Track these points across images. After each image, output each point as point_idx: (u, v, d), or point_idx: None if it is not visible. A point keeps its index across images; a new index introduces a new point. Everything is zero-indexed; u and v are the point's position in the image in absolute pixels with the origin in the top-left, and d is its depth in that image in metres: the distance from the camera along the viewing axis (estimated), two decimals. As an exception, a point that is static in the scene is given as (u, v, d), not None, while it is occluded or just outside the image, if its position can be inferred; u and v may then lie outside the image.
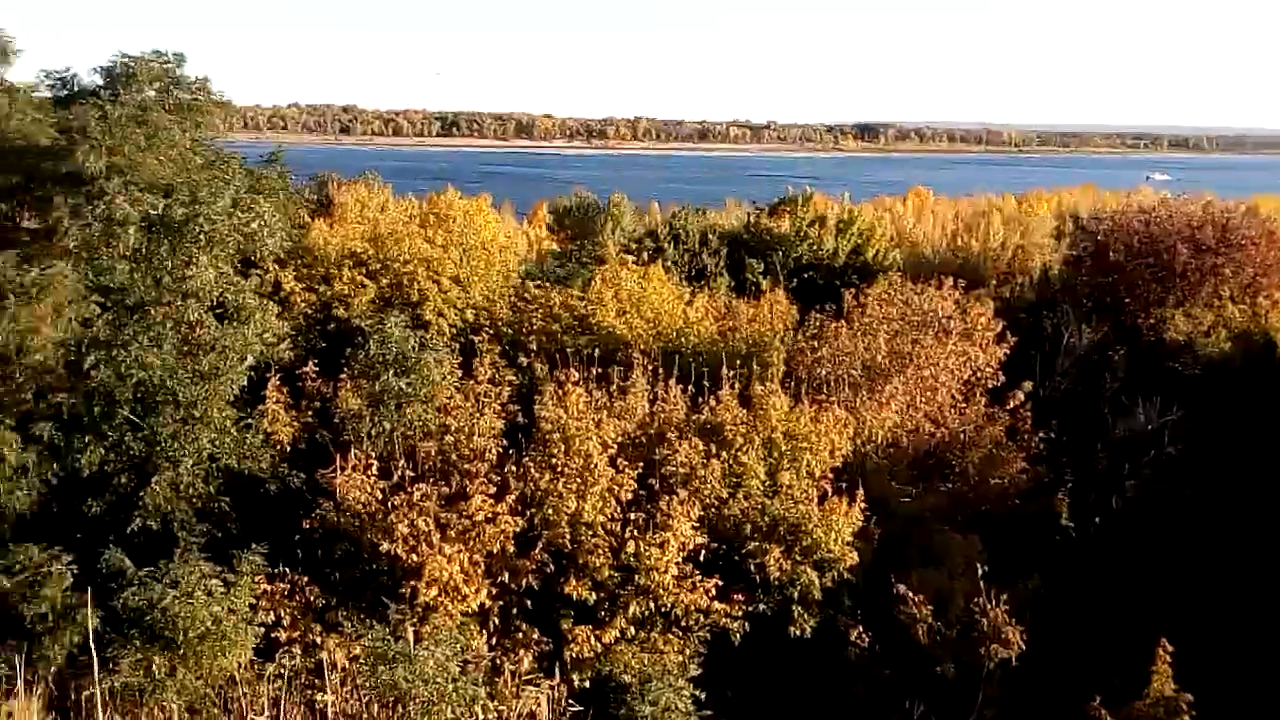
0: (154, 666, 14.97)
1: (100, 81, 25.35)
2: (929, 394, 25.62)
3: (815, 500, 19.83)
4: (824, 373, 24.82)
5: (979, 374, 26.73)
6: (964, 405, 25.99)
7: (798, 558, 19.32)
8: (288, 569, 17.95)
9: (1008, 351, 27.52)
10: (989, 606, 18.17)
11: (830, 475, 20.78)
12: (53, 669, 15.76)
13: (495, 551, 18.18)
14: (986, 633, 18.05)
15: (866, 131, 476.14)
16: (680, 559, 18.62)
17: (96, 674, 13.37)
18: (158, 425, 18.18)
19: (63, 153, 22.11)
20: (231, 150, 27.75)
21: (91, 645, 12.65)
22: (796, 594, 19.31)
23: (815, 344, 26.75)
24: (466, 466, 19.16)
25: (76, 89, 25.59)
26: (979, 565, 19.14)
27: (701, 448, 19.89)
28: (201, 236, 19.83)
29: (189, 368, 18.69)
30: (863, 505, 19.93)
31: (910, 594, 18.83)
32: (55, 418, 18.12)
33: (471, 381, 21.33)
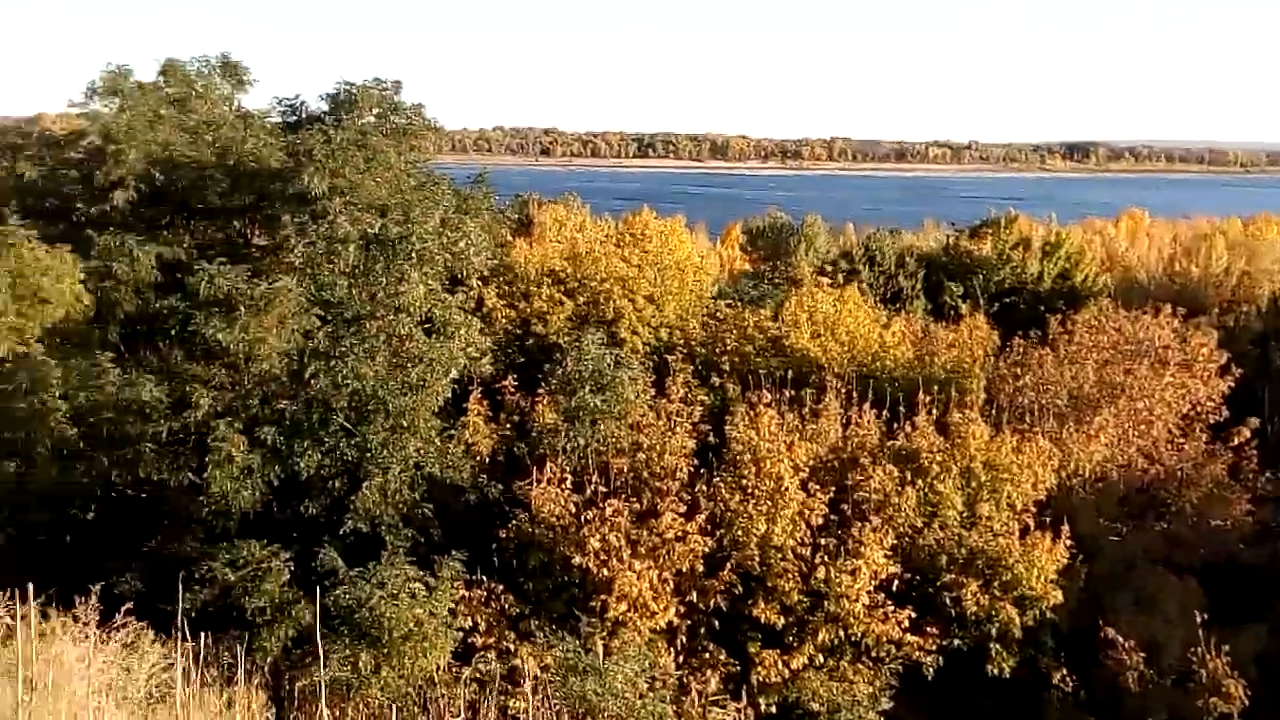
0: (361, 663, 15.66)
1: (325, 108, 27.07)
2: (1143, 427, 24.27)
3: (1016, 534, 19.06)
4: (1027, 402, 23.90)
5: (1199, 408, 25.15)
6: (1182, 440, 24.49)
7: (996, 593, 18.59)
8: (485, 576, 18.49)
9: (1232, 385, 25.80)
10: (1208, 657, 16.96)
11: (1032, 509, 19.95)
12: (269, 659, 16.71)
13: (684, 570, 18.24)
14: (1205, 684, 16.85)
15: (1076, 151, 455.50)
16: (872, 587, 18.23)
17: (322, 668, 14.07)
18: (369, 433, 19.09)
19: (290, 174, 23.68)
20: (440, 171, 29.14)
21: (318, 640, 13.34)
22: (994, 631, 18.57)
23: (1018, 371, 25.78)
24: (657, 484, 19.33)
25: (304, 115, 27.41)
26: (1197, 612, 17.88)
27: (896, 475, 19.45)
28: (413, 254, 20.76)
29: (399, 379, 19.58)
30: (1068, 542, 19.02)
31: (1120, 638, 17.78)
32: (278, 423, 19.31)
33: (664, 400, 21.52)
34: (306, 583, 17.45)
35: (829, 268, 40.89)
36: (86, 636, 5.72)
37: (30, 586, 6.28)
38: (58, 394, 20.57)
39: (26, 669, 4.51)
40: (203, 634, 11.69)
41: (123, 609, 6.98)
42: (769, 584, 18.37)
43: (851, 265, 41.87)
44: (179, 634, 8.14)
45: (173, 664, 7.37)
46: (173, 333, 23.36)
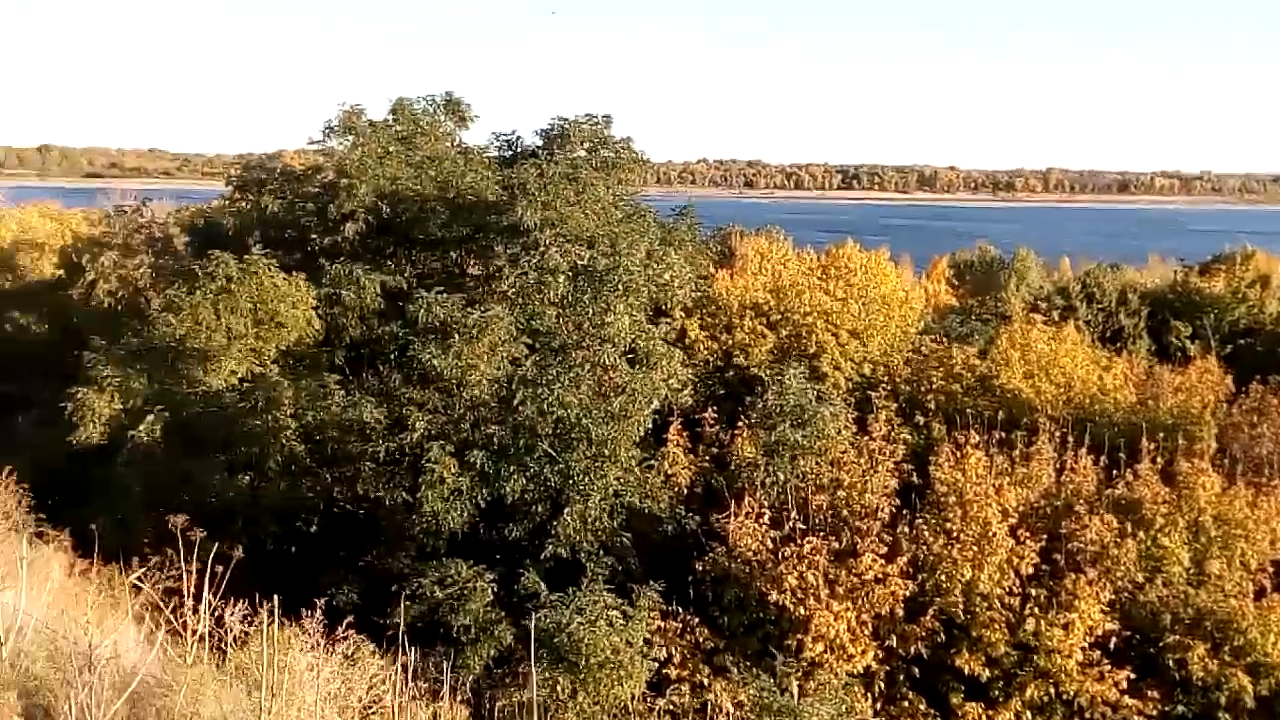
0: (558, 687, 15.94)
1: (539, 142, 28.07)
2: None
3: (1250, 595, 17.61)
4: (1265, 452, 22.10)
5: None
6: None
7: (1227, 658, 17.20)
8: (681, 608, 18.51)
9: None
10: None
11: (1269, 568, 18.39)
12: (472, 677, 17.22)
13: (884, 613, 17.72)
14: None
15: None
16: (1086, 644, 17.19)
17: (535, 690, 14.37)
18: (572, 460, 19.50)
19: (505, 207, 24.63)
20: (646, 204, 29.64)
21: (531, 660, 13.65)
22: (1223, 699, 17.17)
23: (1254, 419, 23.93)
24: (857, 523, 18.89)
25: (520, 149, 28.52)
26: None
27: (1115, 525, 18.31)
28: (620, 286, 21.14)
29: (602, 408, 19.92)
30: (1311, 606, 17.42)
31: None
32: (487, 447, 19.98)
33: (866, 437, 21.03)
34: (508, 604, 17.93)
35: (1042, 304, 39.17)
36: (314, 646, 6.07)
37: (264, 597, 6.69)
38: (289, 412, 21.97)
39: (265, 676, 4.84)
40: (412, 649, 12.16)
41: (345, 622, 7.34)
42: (974, 633, 17.61)
43: (1067, 302, 40.00)
44: (399, 647, 8.50)
45: (386, 677, 7.69)
46: (392, 357, 24.67)
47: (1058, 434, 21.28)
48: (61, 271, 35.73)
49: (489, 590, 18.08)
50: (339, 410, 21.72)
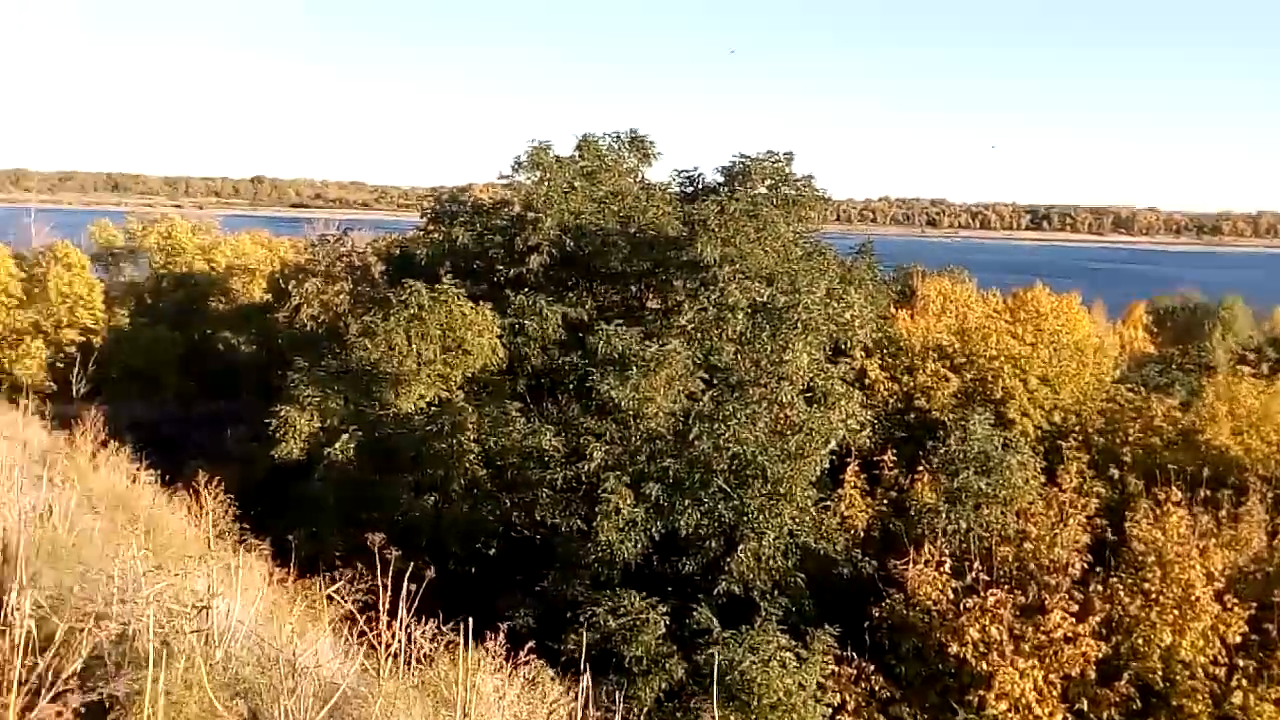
0: (727, 725, 15.74)
1: (720, 179, 28.25)
2: None
3: None
4: None
5: None
6: None
7: None
8: (855, 654, 18.02)
9: None
10: None
11: None
12: (644, 710, 17.20)
13: (1074, 674, 16.78)
14: None
15: None
16: (1300, 723, 15.85)
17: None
18: (747, 497, 19.34)
19: (685, 243, 24.84)
20: (825, 241, 29.39)
21: (714, 699, 13.55)
22: None
23: None
24: (1045, 578, 17.99)
25: (701, 186, 28.77)
26: None
27: (1335, 596, 16.87)
28: (799, 324, 20.95)
29: (778, 446, 19.72)
30: None
31: None
32: (662, 480, 20.04)
33: (1055, 489, 20.07)
34: (680, 638, 17.84)
35: (1251, 355, 36.78)
36: (499, 669, 6.18)
37: (445, 615, 6.87)
38: (472, 437, 22.65)
39: (455, 695, 4.95)
40: (584, 675, 12.23)
41: (526, 646, 7.44)
42: (1173, 702, 16.49)
43: (1280, 353, 37.37)
44: (575, 674, 8.55)
45: (565, 703, 7.75)
46: (572, 387, 25.13)
47: (1269, 495, 19.83)
48: (269, 295, 38.05)
49: (661, 623, 18.03)
50: (519, 437, 22.23)
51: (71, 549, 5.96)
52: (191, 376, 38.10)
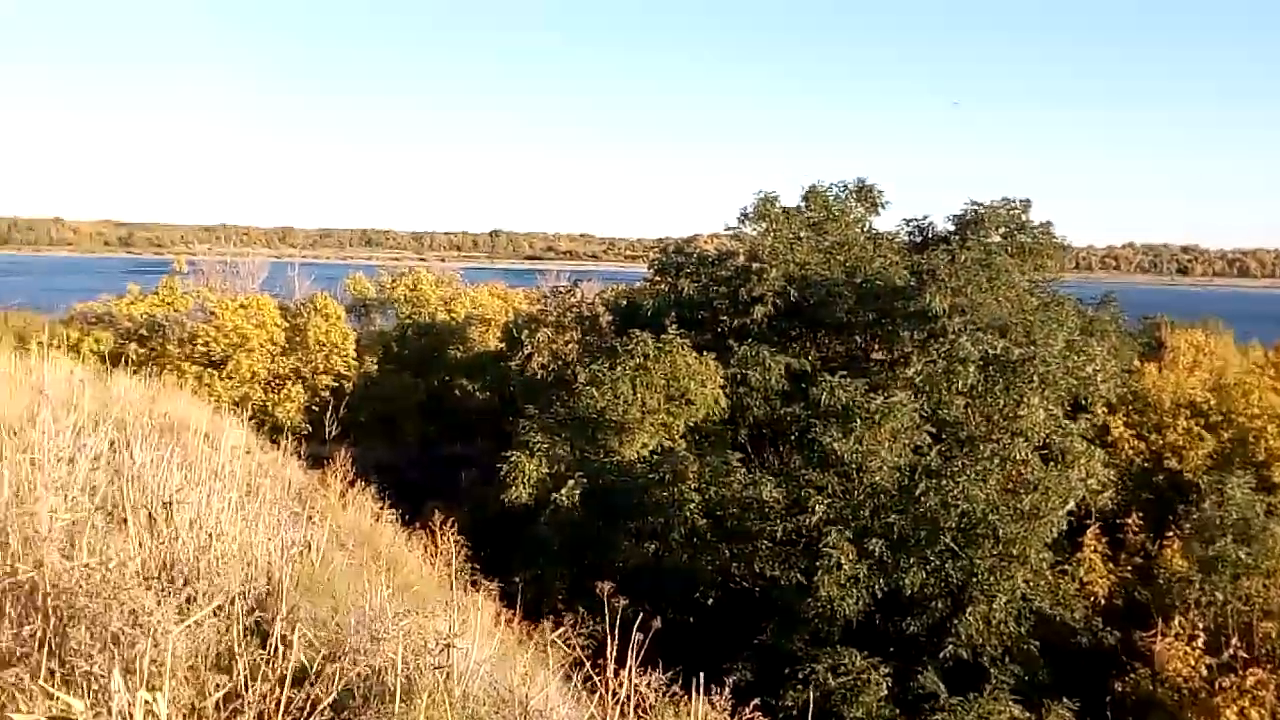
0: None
1: (951, 228, 27.57)
2: None
3: None
4: None
5: None
6: None
7: None
8: (1100, 730, 16.96)
9: None
10: None
11: None
12: (863, 773, 16.74)
13: (1348, 770, 15.17)
14: None
15: None
16: None
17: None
18: (976, 557, 18.58)
19: (913, 293, 24.31)
20: (1064, 291, 28.07)
21: None
22: None
23: None
24: (1315, 660, 16.40)
25: (930, 235, 28.15)
26: None
27: None
28: (1035, 377, 20.08)
29: (1011, 505, 18.88)
30: None
31: None
32: (885, 536, 19.54)
33: (1328, 561, 18.31)
34: (903, 701, 17.27)
35: None
36: (723, 723, 6.18)
37: (665, 664, 6.91)
38: (693, 486, 22.79)
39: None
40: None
41: (751, 703, 7.39)
42: None
43: None
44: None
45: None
46: (793, 438, 24.94)
47: None
48: (503, 344, 39.72)
49: (884, 684, 17.52)
50: (740, 487, 22.20)
51: (326, 583, 6.40)
52: (430, 421, 40.18)
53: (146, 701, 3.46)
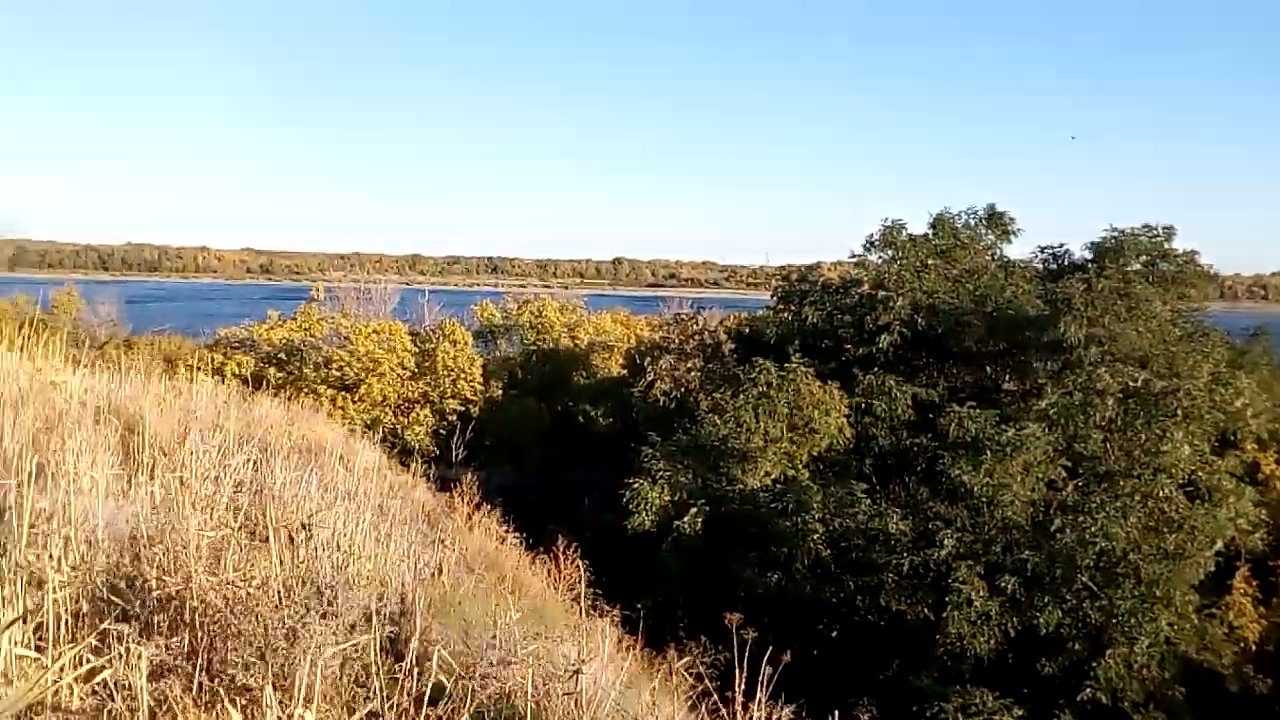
0: None
1: (1088, 255, 26.66)
2: None
3: None
4: None
5: None
6: None
7: None
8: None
9: None
10: None
11: None
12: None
13: None
14: None
15: None
16: None
17: None
18: (1116, 598, 17.82)
19: (1046, 322, 23.57)
20: (1210, 321, 26.83)
21: None
22: None
23: None
24: None
25: (1066, 263, 27.27)
26: None
27: None
28: (1178, 411, 19.24)
29: (1153, 544, 18.10)
30: None
31: None
32: (1018, 573, 18.90)
33: None
34: (1037, 746, 16.64)
35: None
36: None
37: (786, 697, 6.78)
38: (816, 517, 22.45)
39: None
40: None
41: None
42: None
43: None
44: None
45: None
46: (920, 470, 24.36)
47: None
48: (626, 371, 39.97)
49: (1018, 727, 16.92)
50: (864, 519, 21.79)
51: (456, 605, 6.50)
52: (553, 446, 40.63)
53: (300, 716, 3.55)
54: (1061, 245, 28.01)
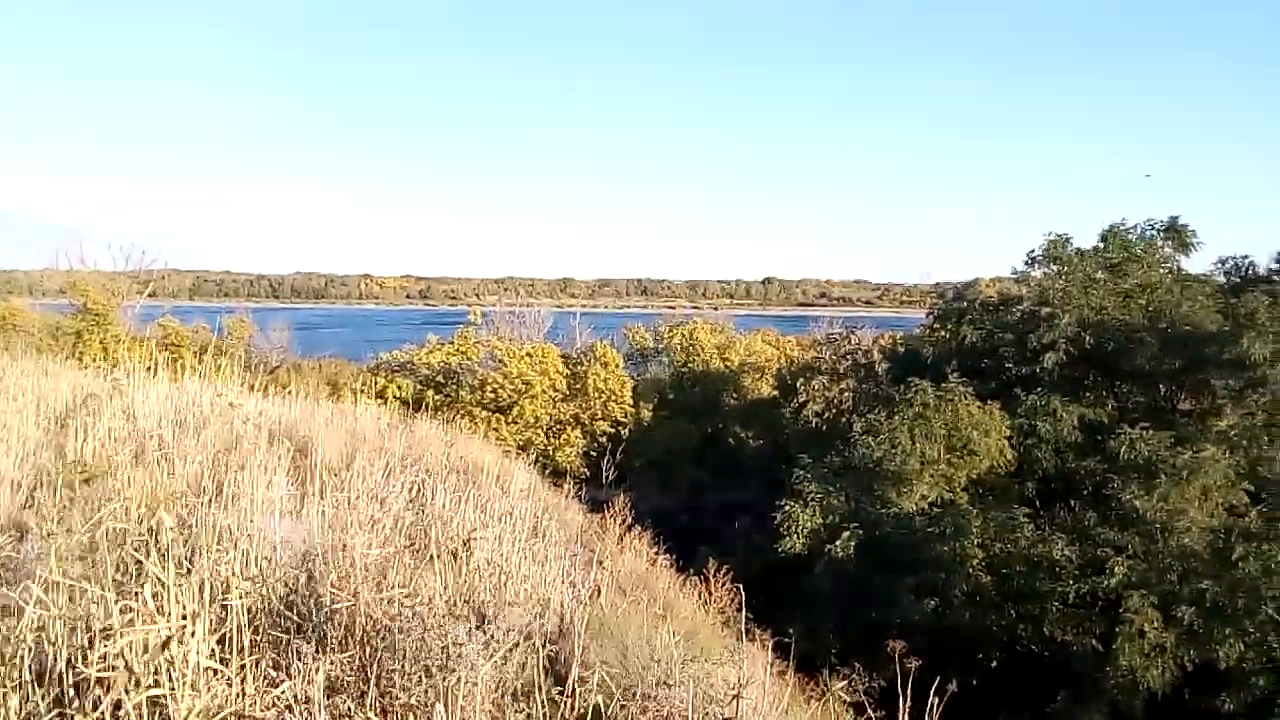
0: None
1: (1275, 266, 25.11)
2: None
3: None
4: None
5: None
6: None
7: None
8: None
9: None
10: None
11: None
12: None
13: None
14: None
15: None
16: None
17: None
18: (1306, 632, 16.68)
19: (1227, 338, 22.28)
20: None
21: None
22: None
23: None
24: None
25: (1250, 274, 25.73)
26: None
27: None
28: (1373, 433, 17.91)
29: (1347, 575, 16.86)
30: None
31: None
32: (1196, 603, 17.89)
33: None
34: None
35: None
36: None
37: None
38: (976, 542, 21.74)
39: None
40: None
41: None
42: None
43: None
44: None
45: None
46: (1087, 494, 23.32)
47: None
48: (776, 391, 39.66)
49: (1196, 767, 16.00)
50: (1027, 544, 20.99)
51: (614, 627, 6.54)
52: (704, 467, 40.64)
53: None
54: (1245, 257, 26.46)
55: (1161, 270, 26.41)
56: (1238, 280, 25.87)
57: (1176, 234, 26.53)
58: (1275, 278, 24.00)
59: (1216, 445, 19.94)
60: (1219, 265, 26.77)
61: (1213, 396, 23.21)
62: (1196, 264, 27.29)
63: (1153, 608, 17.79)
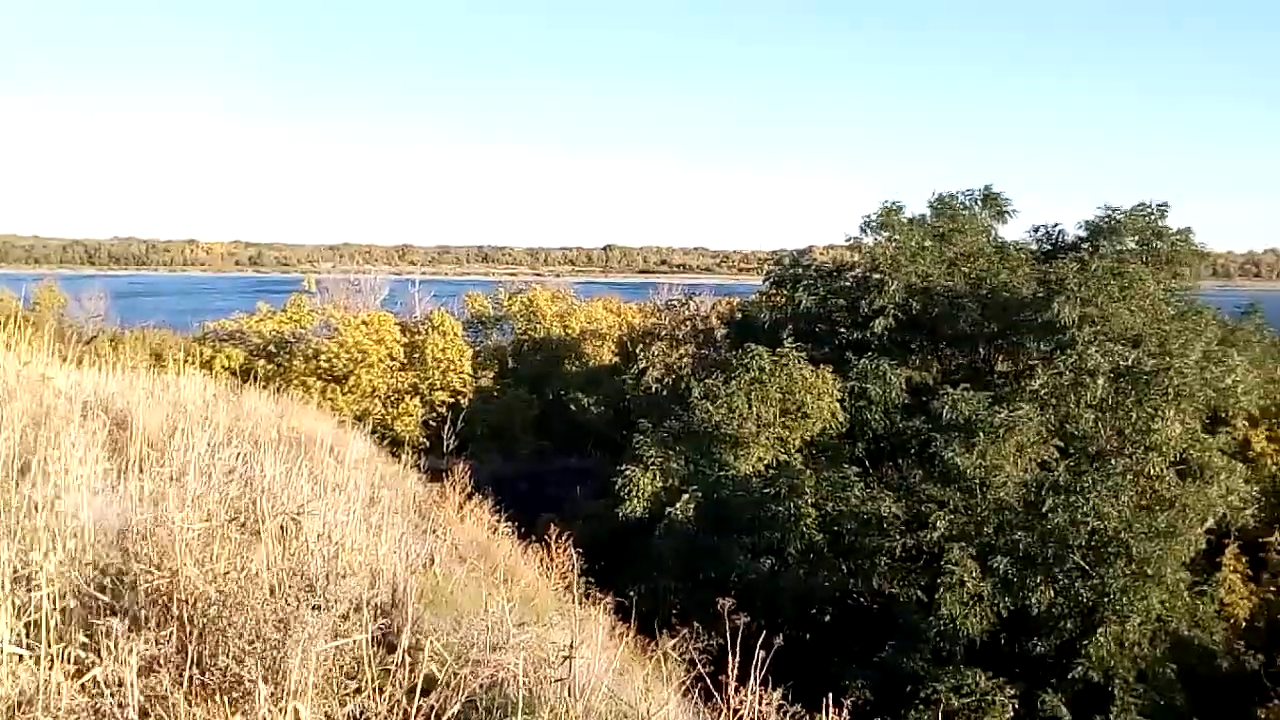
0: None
1: (1082, 234, 26.66)
2: None
3: None
4: None
5: None
6: None
7: None
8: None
9: None
10: None
11: None
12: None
13: None
14: None
15: None
16: None
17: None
18: (1108, 576, 17.91)
19: (1039, 303, 23.57)
20: (1203, 300, 26.87)
21: None
22: None
23: None
24: None
25: (1060, 243, 27.26)
26: None
27: None
28: (1169, 389, 19.31)
29: (1144, 522, 18.17)
30: None
31: None
32: (1011, 553, 18.98)
33: None
34: (1029, 725, 16.73)
35: None
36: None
37: (776, 682, 6.77)
38: (810, 501, 22.48)
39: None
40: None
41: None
42: None
43: None
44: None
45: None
46: (913, 453, 24.38)
47: None
48: (617, 358, 39.90)
49: (1009, 706, 16.98)
50: (858, 502, 21.82)
51: (448, 595, 6.48)
52: (545, 435, 40.64)
53: (293, 709, 3.53)
54: (1056, 225, 28.02)
55: (982, 239, 27.72)
56: (1049, 247, 27.38)
57: (993, 202, 27.90)
58: (1083, 244, 25.49)
59: (1030, 404, 21.10)
60: (1033, 233, 28.28)
61: (1027, 358, 24.55)
62: (1013, 231, 28.80)
63: (971, 559, 18.76)
